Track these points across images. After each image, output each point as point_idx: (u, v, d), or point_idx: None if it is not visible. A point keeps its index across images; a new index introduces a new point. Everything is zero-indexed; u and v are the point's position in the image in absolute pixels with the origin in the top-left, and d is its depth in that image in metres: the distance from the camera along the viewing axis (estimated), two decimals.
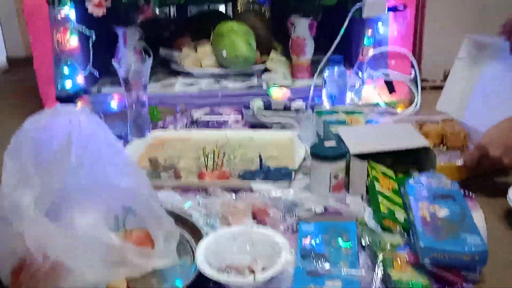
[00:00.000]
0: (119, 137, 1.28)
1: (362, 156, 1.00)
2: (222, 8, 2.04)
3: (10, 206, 0.66)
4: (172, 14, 1.90)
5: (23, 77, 1.93)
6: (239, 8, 1.92)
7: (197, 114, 1.44)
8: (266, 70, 1.63)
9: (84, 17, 1.44)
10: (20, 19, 2.14)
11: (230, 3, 1.97)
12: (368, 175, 0.99)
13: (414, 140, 1.05)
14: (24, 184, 0.66)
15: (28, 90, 1.64)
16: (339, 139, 1.04)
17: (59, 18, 1.40)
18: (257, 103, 1.39)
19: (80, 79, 1.48)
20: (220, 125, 1.40)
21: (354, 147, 1.01)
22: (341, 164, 0.99)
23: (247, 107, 1.40)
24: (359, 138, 1.06)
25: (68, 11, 1.42)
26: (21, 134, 0.69)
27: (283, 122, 1.36)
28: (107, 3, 1.39)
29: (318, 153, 1.00)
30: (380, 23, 1.48)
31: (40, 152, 0.68)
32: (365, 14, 1.44)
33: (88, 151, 0.72)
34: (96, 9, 1.38)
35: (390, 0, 1.44)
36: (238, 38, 1.58)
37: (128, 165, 0.77)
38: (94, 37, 1.45)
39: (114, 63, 1.32)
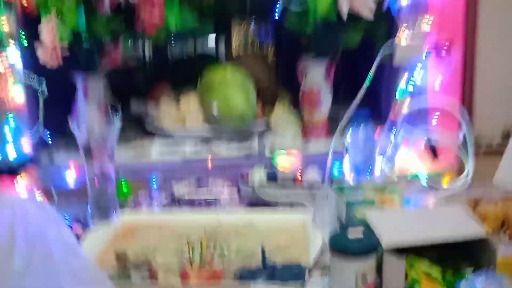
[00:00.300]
0: (77, 221, 1.32)
1: (398, 251, 1.01)
2: (211, 47, 2.10)
3: None
4: (147, 57, 1.96)
5: None
6: (233, 48, 1.99)
7: (180, 189, 1.47)
8: (269, 129, 1.66)
9: (33, 63, 1.49)
10: None
11: (223, 42, 2.02)
12: (406, 276, 1.00)
13: (466, 227, 1.07)
14: None
15: None
16: (368, 228, 1.06)
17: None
18: (258, 175, 1.43)
19: (26, 145, 1.51)
20: (209, 204, 1.43)
21: (388, 239, 1.02)
22: (371, 261, 1.00)
23: (245, 180, 1.43)
24: (394, 226, 1.08)
25: (12, 56, 1.46)
26: None
27: (292, 200, 1.38)
28: (64, 51, 1.43)
29: (340, 247, 1.01)
30: (417, 69, 1.52)
31: None
32: (397, 59, 1.49)
33: (36, 252, 0.73)
34: (50, 59, 1.43)
35: (430, 39, 1.49)
36: (233, 89, 1.63)
37: (87, 271, 0.78)
38: (46, 91, 1.48)
39: (72, 124, 1.36)
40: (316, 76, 1.62)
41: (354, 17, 1.50)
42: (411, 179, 1.44)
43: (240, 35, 1.96)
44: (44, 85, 1.50)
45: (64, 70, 1.51)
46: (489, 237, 1.06)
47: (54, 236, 0.76)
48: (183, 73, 1.82)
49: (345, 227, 1.15)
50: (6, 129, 1.49)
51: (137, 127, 1.73)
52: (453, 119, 1.54)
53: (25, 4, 1.45)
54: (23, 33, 1.46)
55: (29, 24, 1.47)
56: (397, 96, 1.56)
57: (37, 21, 1.44)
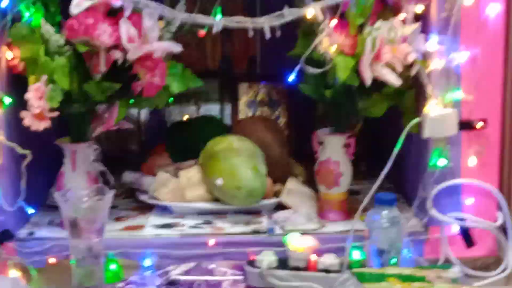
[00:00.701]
0: None
1: None
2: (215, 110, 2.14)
3: None
4: (143, 121, 1.98)
5: None
6: (240, 112, 2.02)
7: (177, 271, 1.47)
8: (280, 207, 1.67)
9: (15, 126, 1.50)
10: None
11: (229, 105, 2.06)
12: None
13: None
14: None
15: None
16: None
17: None
18: (267, 258, 1.41)
19: (5, 217, 1.50)
20: None
21: None
22: None
23: (252, 263, 1.42)
24: None
25: None
26: None
27: None
28: (52, 113, 1.44)
29: None
30: (449, 146, 1.53)
31: None
32: (426, 134, 1.49)
33: None
34: (35, 122, 1.43)
35: (464, 113, 1.51)
36: (240, 161, 1.64)
37: None
38: (30, 157, 1.49)
39: (57, 196, 1.36)
40: (334, 147, 1.63)
41: (378, 83, 1.51)
42: (443, 268, 1.43)
43: (248, 100, 2.00)
44: (28, 152, 1.50)
45: (51, 134, 1.53)
46: None
47: None
48: (183, 138, 1.84)
49: None
50: None
51: (130, 199, 1.74)
52: (490, 201, 1.54)
53: (12, 62, 1.47)
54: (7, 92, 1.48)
55: (15, 83, 1.49)
56: (426, 173, 1.56)
57: (24, 80, 1.46)
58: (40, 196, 1.72)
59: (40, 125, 1.44)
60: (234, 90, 2.05)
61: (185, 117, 2.07)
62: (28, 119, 1.44)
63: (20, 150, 1.49)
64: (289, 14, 1.47)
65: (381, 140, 1.68)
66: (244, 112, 2.03)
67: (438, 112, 1.50)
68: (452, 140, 1.52)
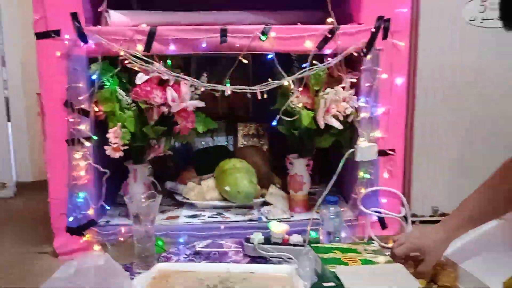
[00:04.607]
0: (126, 268, 1.30)
1: None
2: (223, 141, 2.11)
3: None
4: (177, 149, 1.96)
5: (31, 202, 1.98)
6: (239, 142, 2.01)
7: (200, 245, 1.47)
8: (265, 204, 1.67)
9: (98, 154, 1.51)
10: (31, 146, 2.24)
11: (232, 137, 2.05)
12: None
13: (407, 283, 1.10)
14: None
15: (36, 217, 1.69)
16: (338, 280, 1.08)
17: (76, 156, 1.47)
18: (257, 237, 1.42)
19: (91, 212, 1.50)
20: (221, 256, 1.42)
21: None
22: None
23: (248, 240, 1.43)
24: (356, 280, 1.10)
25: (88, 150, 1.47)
26: (55, 280, 0.75)
27: (282, 256, 1.38)
28: (124, 147, 1.46)
29: None
30: (371, 165, 1.55)
31: None
32: (358, 158, 1.52)
33: None
34: (113, 152, 1.45)
35: (380, 145, 1.53)
36: (241, 175, 1.65)
37: None
38: (108, 174, 1.50)
39: (126, 198, 1.38)
40: (299, 166, 1.64)
41: (328, 126, 1.52)
42: (368, 243, 1.40)
43: (244, 134, 1.98)
44: (108, 171, 1.51)
45: (122, 160, 1.54)
46: None
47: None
48: (204, 161, 1.83)
49: (321, 280, 1.16)
50: (78, 201, 1.48)
51: (169, 199, 1.74)
52: (397, 200, 1.57)
53: (98, 113, 1.48)
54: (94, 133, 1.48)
55: (99, 127, 1.50)
56: (357, 182, 1.56)
57: (105, 125, 1.48)
58: (114, 197, 1.72)
59: (116, 154, 1.47)
60: (235, 128, 2.04)
61: (204, 146, 2.06)
62: (109, 151, 1.46)
63: (101, 169, 1.51)
64: (272, 84, 1.48)
65: (329, 161, 1.70)
66: (241, 142, 2.01)
67: (365, 144, 1.52)
68: (373, 162, 1.54)
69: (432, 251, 1.22)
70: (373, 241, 1.44)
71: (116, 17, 1.53)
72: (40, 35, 1.42)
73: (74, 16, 1.41)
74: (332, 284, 1.08)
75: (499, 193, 1.23)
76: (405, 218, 1.57)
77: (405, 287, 1.09)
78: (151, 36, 1.43)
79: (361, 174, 1.55)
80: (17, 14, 2.13)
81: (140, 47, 1.44)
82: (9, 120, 2.17)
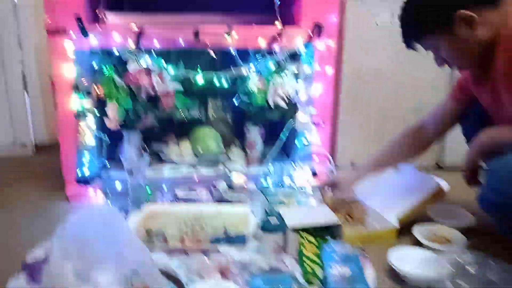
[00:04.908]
0: (123, 210, 1.30)
1: (295, 229, 1.08)
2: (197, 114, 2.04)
3: (54, 272, 0.72)
4: (162, 120, 1.91)
5: (47, 161, 1.94)
6: (210, 115, 2.00)
7: (179, 192, 1.45)
8: (229, 160, 1.63)
9: (99, 125, 1.49)
10: (46, 115, 2.17)
11: (204, 111, 2.03)
12: (299, 243, 1.04)
13: (329, 217, 1.16)
14: (66, 257, 0.73)
15: (52, 172, 1.65)
16: (280, 217, 1.13)
17: (83, 127, 1.45)
18: (222, 185, 1.44)
19: (95, 167, 1.50)
20: (195, 201, 1.40)
21: (290, 223, 1.09)
22: (281, 235, 1.07)
23: (215, 187, 1.44)
24: (293, 216, 1.14)
25: (90, 122, 1.46)
26: (67, 225, 0.76)
27: (240, 199, 1.39)
28: (119, 120, 1.44)
29: (265, 227, 1.09)
30: (307, 133, 1.58)
31: (78, 235, 0.75)
32: (298, 127, 1.55)
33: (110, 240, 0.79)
34: (111, 124, 1.44)
35: (315, 119, 1.55)
36: (210, 140, 1.64)
37: (136, 243, 0.84)
38: (107, 140, 1.49)
39: (122, 157, 1.39)
40: (254, 134, 1.63)
41: (275, 105, 1.52)
42: (303, 190, 1.46)
43: (213, 107, 1.93)
44: (107, 139, 1.50)
45: (119, 130, 1.51)
46: (340, 223, 1.14)
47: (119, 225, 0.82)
48: (182, 129, 1.76)
49: (268, 216, 1.21)
50: (85, 159, 1.47)
51: (156, 158, 1.69)
52: (325, 157, 1.60)
53: (99, 93, 1.45)
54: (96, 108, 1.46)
55: (100, 104, 1.47)
56: (298, 145, 1.58)
57: (104, 102, 1.45)
58: (113, 156, 1.66)
59: (113, 126, 1.45)
60: (206, 104, 1.86)
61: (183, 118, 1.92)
62: (108, 122, 1.45)
63: (103, 137, 1.49)
64: (236, 73, 1.47)
65: (277, 130, 1.71)
66: (211, 114, 1.84)
67: (303, 118, 1.54)
68: (308, 130, 1.56)
69: (343, 180, 1.31)
70: (305, 188, 1.47)
71: (112, 18, 1.48)
72: (50, 32, 1.38)
73: (79, 19, 1.37)
74: (276, 221, 1.13)
75: (398, 147, 1.32)
76: (331, 170, 1.60)
77: (328, 219, 1.14)
78: (139, 34, 1.41)
79: (300, 139, 1.58)
80: (31, 7, 2.01)
81: (131, 42, 1.41)
82: (26, 91, 2.07)
